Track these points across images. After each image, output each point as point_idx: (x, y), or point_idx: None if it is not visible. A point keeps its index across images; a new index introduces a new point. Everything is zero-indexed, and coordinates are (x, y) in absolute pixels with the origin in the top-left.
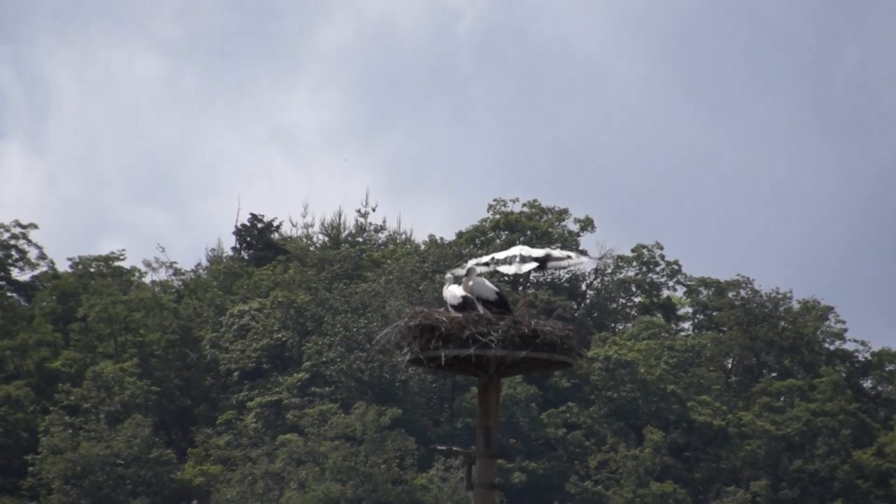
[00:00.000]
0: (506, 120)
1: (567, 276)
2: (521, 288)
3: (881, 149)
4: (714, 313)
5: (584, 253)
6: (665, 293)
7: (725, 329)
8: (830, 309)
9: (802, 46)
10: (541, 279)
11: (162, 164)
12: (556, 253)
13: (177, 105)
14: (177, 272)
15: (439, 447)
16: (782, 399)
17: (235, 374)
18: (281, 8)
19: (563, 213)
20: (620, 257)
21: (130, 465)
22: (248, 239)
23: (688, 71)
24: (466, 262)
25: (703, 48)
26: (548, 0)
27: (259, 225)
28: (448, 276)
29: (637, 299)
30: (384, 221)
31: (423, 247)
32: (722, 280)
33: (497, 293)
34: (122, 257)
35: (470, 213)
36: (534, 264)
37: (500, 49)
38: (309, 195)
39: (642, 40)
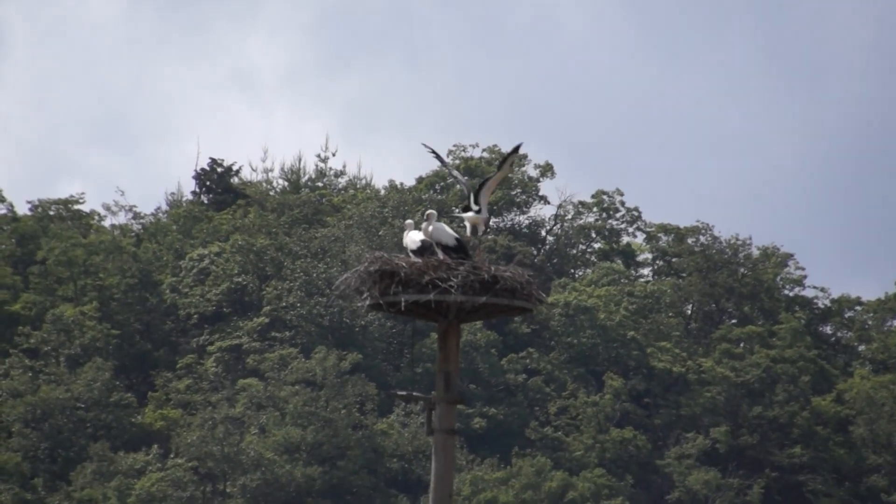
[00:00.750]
0: (463, 64)
1: (527, 221)
2: (479, 232)
3: (841, 94)
4: (674, 260)
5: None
6: (625, 239)
7: (685, 275)
8: (790, 256)
9: None
10: (500, 225)
11: (118, 106)
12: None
13: (132, 46)
14: (136, 216)
15: (399, 392)
16: (742, 345)
17: (195, 318)
18: None
19: (522, 159)
20: (581, 203)
21: (90, 408)
22: (208, 183)
23: (646, 16)
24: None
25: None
26: None
27: (219, 169)
28: (409, 221)
29: (597, 245)
30: (344, 166)
31: (383, 192)
32: (682, 226)
33: (456, 238)
34: (81, 201)
35: (430, 158)
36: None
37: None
38: (268, 137)
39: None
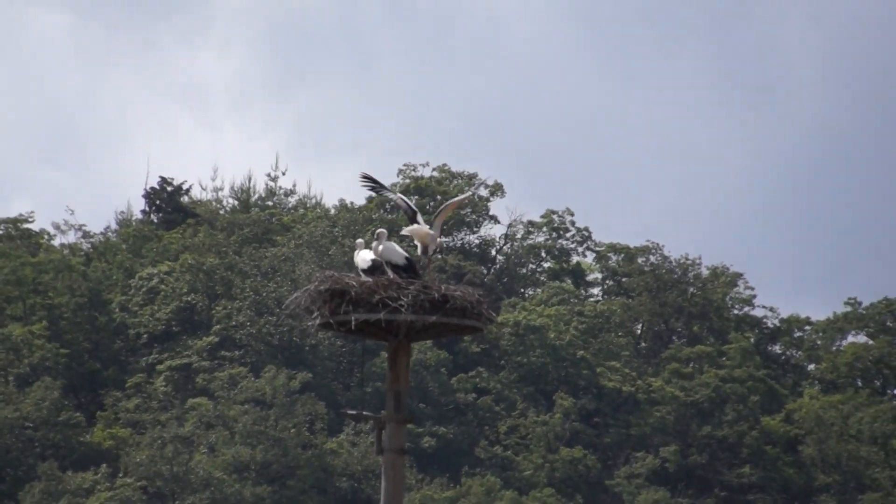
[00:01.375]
0: (413, 82)
1: (477, 241)
2: (429, 252)
3: (791, 111)
4: (623, 279)
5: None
6: (575, 259)
7: (635, 295)
8: (739, 275)
9: (713, 7)
10: (451, 244)
11: (66, 123)
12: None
13: (80, 61)
14: (86, 235)
15: (349, 412)
16: (691, 365)
17: (145, 337)
18: None
19: (472, 178)
20: (531, 223)
21: (39, 427)
22: (158, 202)
23: (597, 33)
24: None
25: (611, 8)
26: None
27: (168, 188)
28: (359, 241)
29: (547, 265)
30: (294, 185)
31: (333, 211)
32: (631, 246)
33: (406, 258)
34: (30, 219)
35: (379, 177)
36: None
37: (406, 7)
38: (218, 156)
39: (554, 8)
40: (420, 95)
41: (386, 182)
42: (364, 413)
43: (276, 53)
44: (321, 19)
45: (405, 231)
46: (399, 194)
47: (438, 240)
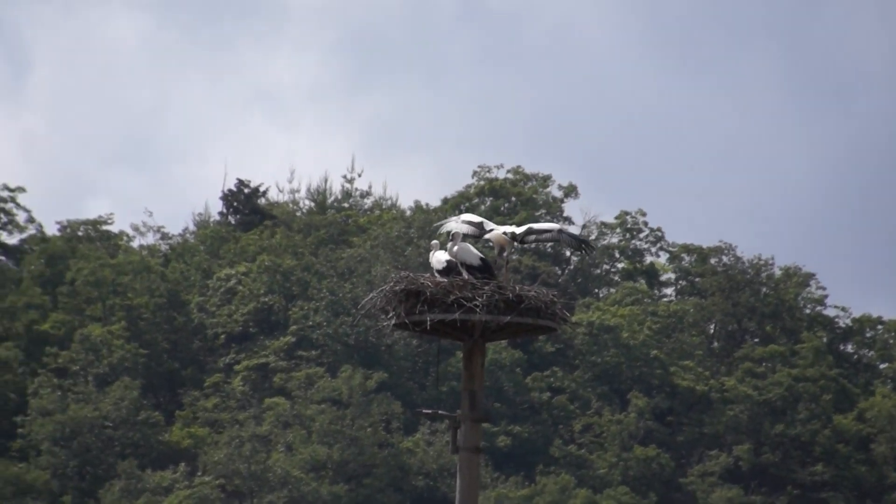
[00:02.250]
0: (483, 83)
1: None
2: (504, 254)
3: (864, 111)
4: (696, 279)
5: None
6: (648, 259)
7: (708, 295)
8: (812, 275)
9: (787, 4)
10: (525, 246)
11: (144, 125)
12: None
13: (156, 64)
14: (164, 236)
15: (425, 411)
16: (764, 365)
17: (222, 337)
18: None
19: (546, 180)
20: (604, 224)
21: (118, 427)
22: (235, 204)
23: (666, 32)
24: (449, 218)
25: (683, 8)
26: None
27: (246, 190)
28: (434, 242)
29: (620, 265)
30: (370, 187)
31: (408, 212)
32: (704, 246)
33: (481, 259)
34: (109, 221)
35: (454, 178)
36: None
37: (476, 9)
38: (294, 157)
39: (621, 2)
40: (491, 96)
41: (460, 184)
42: (440, 412)
43: (350, 55)
44: (394, 21)
45: (487, 236)
46: (462, 222)
47: (513, 242)
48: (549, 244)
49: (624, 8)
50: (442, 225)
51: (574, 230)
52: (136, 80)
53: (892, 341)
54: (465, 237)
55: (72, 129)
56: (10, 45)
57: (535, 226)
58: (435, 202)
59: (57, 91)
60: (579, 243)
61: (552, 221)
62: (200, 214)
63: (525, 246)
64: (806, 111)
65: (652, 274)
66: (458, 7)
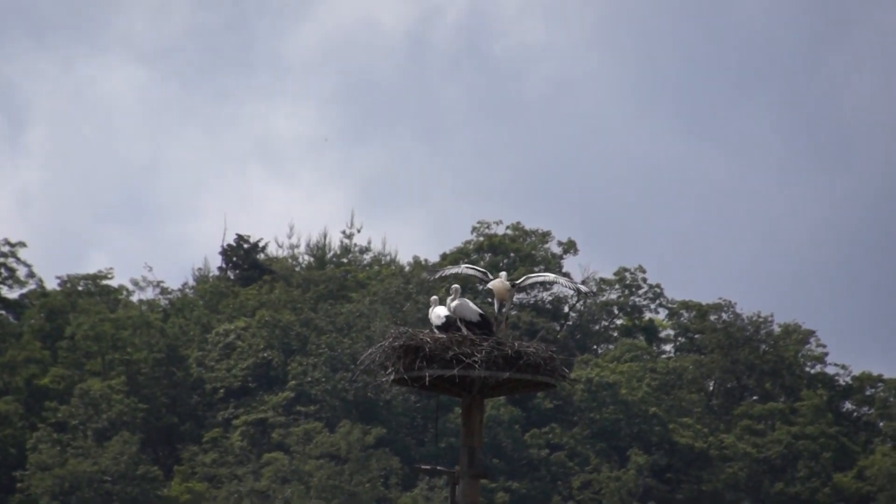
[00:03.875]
0: (481, 138)
1: (550, 297)
2: (504, 309)
3: (864, 168)
4: (695, 336)
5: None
6: (647, 315)
7: (707, 352)
8: (811, 333)
9: (785, 59)
10: (524, 301)
11: (143, 179)
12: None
13: (153, 118)
14: (163, 291)
15: (423, 466)
16: (763, 422)
17: (221, 392)
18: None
19: (545, 236)
20: (603, 280)
21: (117, 481)
22: (234, 259)
23: (667, 87)
24: (457, 265)
25: (681, 63)
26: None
27: (245, 245)
28: (434, 297)
29: (619, 321)
30: (369, 242)
31: (407, 268)
32: (703, 303)
33: (480, 314)
34: (109, 276)
35: (452, 232)
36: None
37: (473, 62)
38: (291, 209)
39: (619, 57)
40: (489, 150)
41: (459, 239)
42: (438, 468)
43: (347, 107)
44: (390, 73)
45: (489, 285)
46: (464, 267)
47: (513, 294)
48: (549, 298)
49: (622, 62)
50: (446, 271)
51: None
52: (133, 134)
53: (892, 399)
54: (464, 293)
55: (69, 184)
56: (7, 99)
57: (533, 274)
58: (434, 257)
59: (54, 146)
60: (576, 287)
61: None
62: (200, 269)
63: (524, 297)
64: (807, 169)
65: (651, 330)
66: (453, 60)
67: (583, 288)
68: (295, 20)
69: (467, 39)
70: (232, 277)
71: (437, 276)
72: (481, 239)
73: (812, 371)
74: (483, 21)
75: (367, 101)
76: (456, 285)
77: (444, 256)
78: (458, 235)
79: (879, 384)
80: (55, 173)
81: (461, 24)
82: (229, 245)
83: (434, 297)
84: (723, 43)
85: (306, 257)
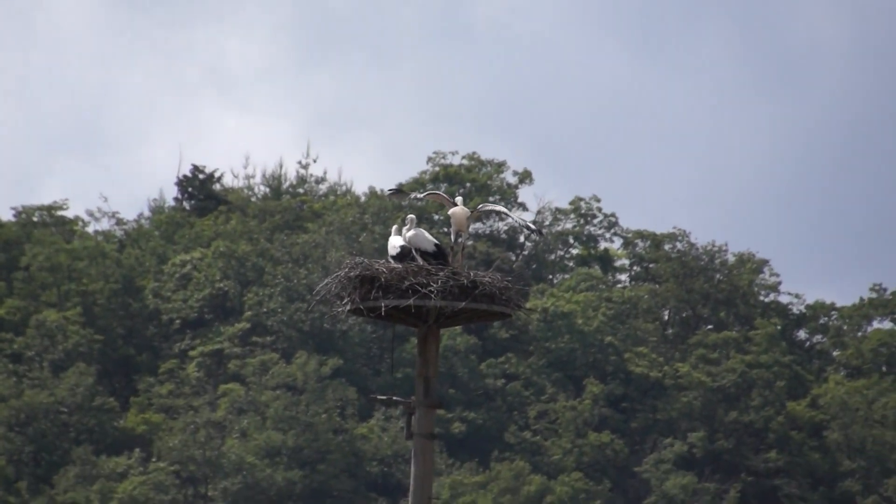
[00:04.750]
0: (434, 64)
1: (506, 228)
2: (460, 239)
3: (817, 94)
4: (650, 265)
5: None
6: (602, 245)
7: (662, 281)
8: (766, 262)
9: None
10: (480, 231)
11: (96, 110)
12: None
13: (107, 47)
14: (119, 222)
15: (379, 397)
16: (718, 351)
17: (177, 323)
18: None
19: (501, 166)
20: (558, 209)
21: (74, 412)
22: (190, 189)
23: (624, 16)
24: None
25: None
26: None
27: (200, 176)
28: (395, 226)
29: (575, 251)
30: (325, 173)
31: (363, 198)
32: (658, 233)
33: (435, 244)
34: (65, 207)
35: (406, 164)
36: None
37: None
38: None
39: None
40: (443, 77)
41: (416, 170)
42: (394, 398)
43: (300, 33)
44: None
45: (449, 212)
46: (427, 193)
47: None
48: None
49: None
50: (414, 195)
51: (528, 216)
52: (84, 61)
53: (845, 328)
54: (420, 224)
55: (19, 114)
56: None
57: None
58: (390, 187)
59: (4, 75)
60: (526, 225)
61: (507, 207)
62: (155, 200)
63: (479, 226)
64: (763, 95)
65: (606, 260)
66: None
67: (532, 227)
68: None
69: None
70: (188, 208)
71: (407, 199)
72: (437, 169)
73: (766, 300)
74: None
75: (321, 25)
76: (411, 215)
77: (400, 186)
78: (413, 163)
79: (833, 313)
80: (5, 102)
81: None
82: (185, 176)
83: (395, 226)
84: None
85: (262, 188)
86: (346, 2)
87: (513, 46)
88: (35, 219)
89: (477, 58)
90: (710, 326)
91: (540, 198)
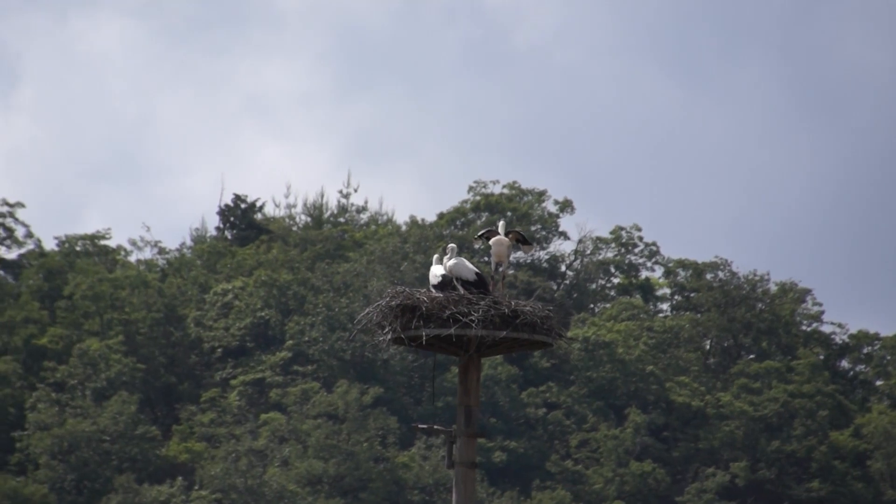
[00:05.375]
0: (474, 94)
1: (547, 257)
2: (501, 268)
3: (859, 125)
4: (692, 295)
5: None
6: (644, 274)
7: (703, 310)
8: (808, 291)
9: (777, 19)
10: (521, 259)
11: (140, 139)
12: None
13: (147, 74)
14: (161, 251)
15: (420, 426)
16: (760, 381)
17: (219, 351)
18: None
19: (542, 195)
20: (599, 238)
21: (116, 441)
22: (232, 219)
23: (666, 45)
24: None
25: (675, 16)
26: None
27: (242, 205)
28: (436, 256)
29: (616, 280)
30: (366, 202)
31: (404, 227)
32: (700, 262)
33: (476, 273)
34: (107, 236)
35: (448, 191)
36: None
37: (465, 16)
38: (285, 165)
39: (618, 15)
40: (483, 105)
41: (456, 199)
42: (435, 427)
43: (342, 62)
44: (384, 27)
45: (491, 241)
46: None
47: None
48: (546, 257)
49: (619, 17)
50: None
51: (570, 245)
52: (126, 90)
53: (888, 357)
54: (461, 252)
55: (64, 142)
56: None
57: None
58: (430, 216)
59: (46, 104)
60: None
61: (548, 236)
62: (197, 229)
63: (520, 255)
64: (804, 123)
65: (647, 289)
66: (445, 15)
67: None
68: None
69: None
70: (229, 237)
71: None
72: (478, 198)
73: (808, 329)
74: None
75: (361, 53)
76: (452, 244)
77: (440, 216)
78: (454, 192)
79: (876, 342)
80: (47, 131)
81: None
82: (227, 205)
83: (437, 255)
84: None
85: (303, 217)
86: (385, 30)
87: (554, 74)
88: (78, 248)
89: (517, 86)
90: (752, 356)
91: (581, 227)
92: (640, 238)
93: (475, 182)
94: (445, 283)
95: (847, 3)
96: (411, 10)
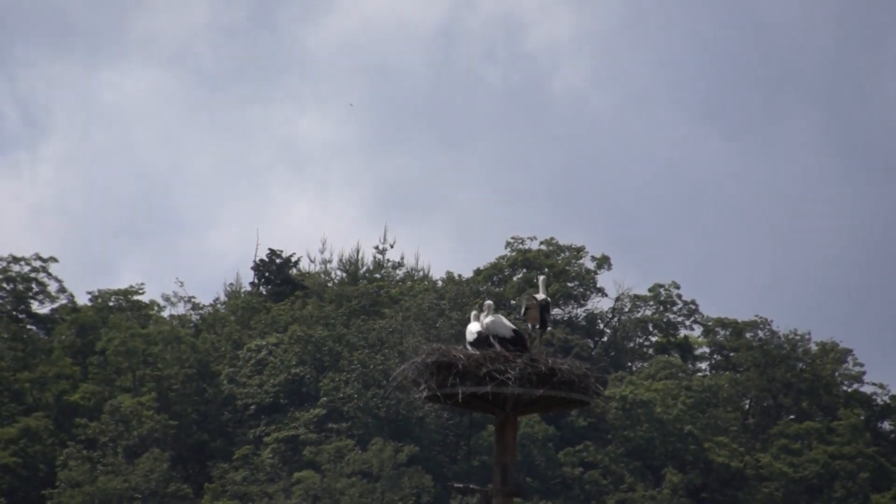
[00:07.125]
0: (510, 149)
1: (584, 314)
2: (537, 326)
3: None
4: (731, 354)
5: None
6: (682, 333)
7: (743, 370)
8: (849, 351)
9: (819, 71)
10: (558, 317)
11: (173, 194)
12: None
13: (178, 126)
14: (195, 306)
15: (456, 485)
16: (800, 441)
17: (252, 408)
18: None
19: (579, 251)
20: (637, 296)
21: (148, 499)
22: (267, 274)
23: (705, 98)
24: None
25: (716, 70)
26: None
27: (277, 261)
28: (473, 312)
29: (654, 338)
30: (402, 258)
31: (440, 283)
32: (739, 320)
33: (514, 331)
34: (140, 291)
35: (483, 247)
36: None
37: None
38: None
39: (660, 70)
40: (518, 158)
41: (492, 252)
42: (471, 486)
43: (374, 114)
44: (418, 79)
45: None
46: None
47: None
48: (583, 315)
49: (655, 69)
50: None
51: (608, 302)
52: (157, 142)
53: None
54: (498, 310)
55: (93, 195)
56: (26, 107)
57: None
58: (466, 272)
59: (75, 156)
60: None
61: (585, 293)
62: (231, 285)
63: (558, 312)
64: (846, 178)
65: (686, 348)
66: (487, 50)
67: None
68: (319, 17)
69: (491, 40)
70: (264, 293)
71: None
72: (515, 254)
73: (849, 390)
74: (511, 18)
75: (395, 104)
76: (489, 301)
77: (477, 272)
78: (490, 246)
79: None
80: (76, 183)
81: (489, 22)
82: (262, 260)
83: (474, 311)
84: (757, 47)
85: (339, 272)
86: (419, 80)
87: (591, 122)
88: (111, 303)
89: (554, 134)
90: (791, 416)
91: (619, 284)
92: (679, 296)
93: (512, 238)
94: (482, 340)
95: (889, 53)
96: (445, 59)
